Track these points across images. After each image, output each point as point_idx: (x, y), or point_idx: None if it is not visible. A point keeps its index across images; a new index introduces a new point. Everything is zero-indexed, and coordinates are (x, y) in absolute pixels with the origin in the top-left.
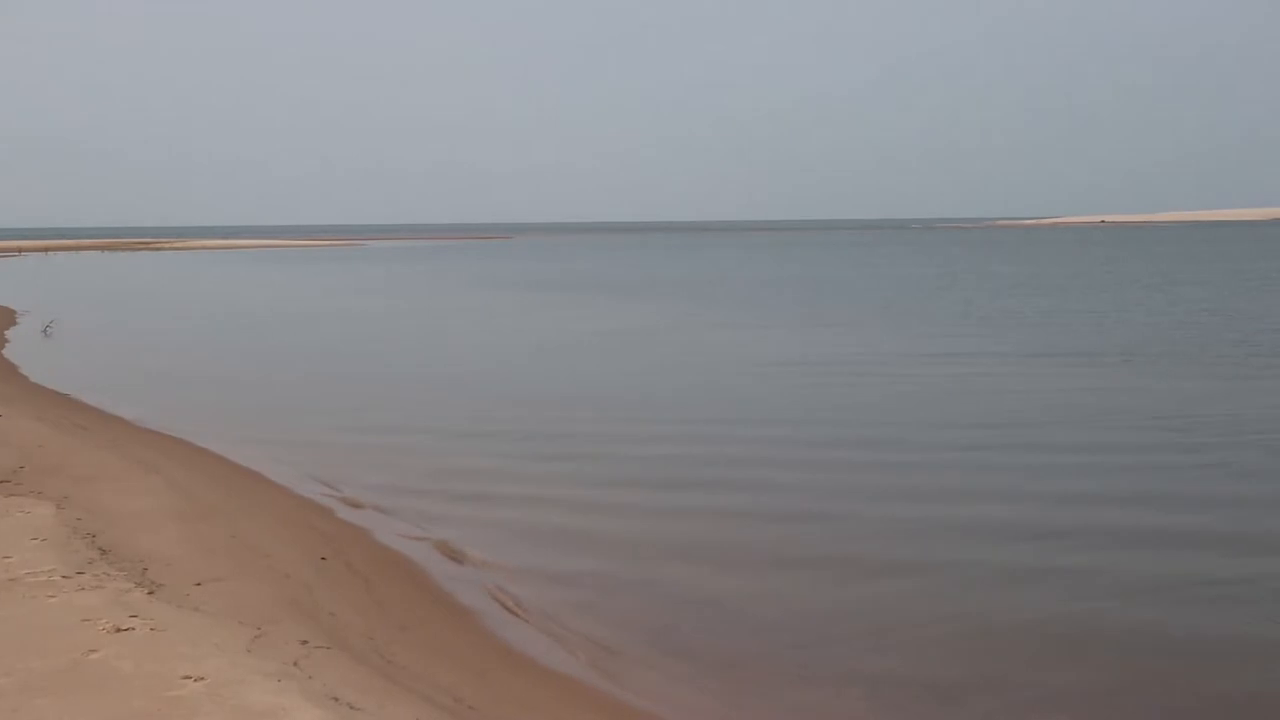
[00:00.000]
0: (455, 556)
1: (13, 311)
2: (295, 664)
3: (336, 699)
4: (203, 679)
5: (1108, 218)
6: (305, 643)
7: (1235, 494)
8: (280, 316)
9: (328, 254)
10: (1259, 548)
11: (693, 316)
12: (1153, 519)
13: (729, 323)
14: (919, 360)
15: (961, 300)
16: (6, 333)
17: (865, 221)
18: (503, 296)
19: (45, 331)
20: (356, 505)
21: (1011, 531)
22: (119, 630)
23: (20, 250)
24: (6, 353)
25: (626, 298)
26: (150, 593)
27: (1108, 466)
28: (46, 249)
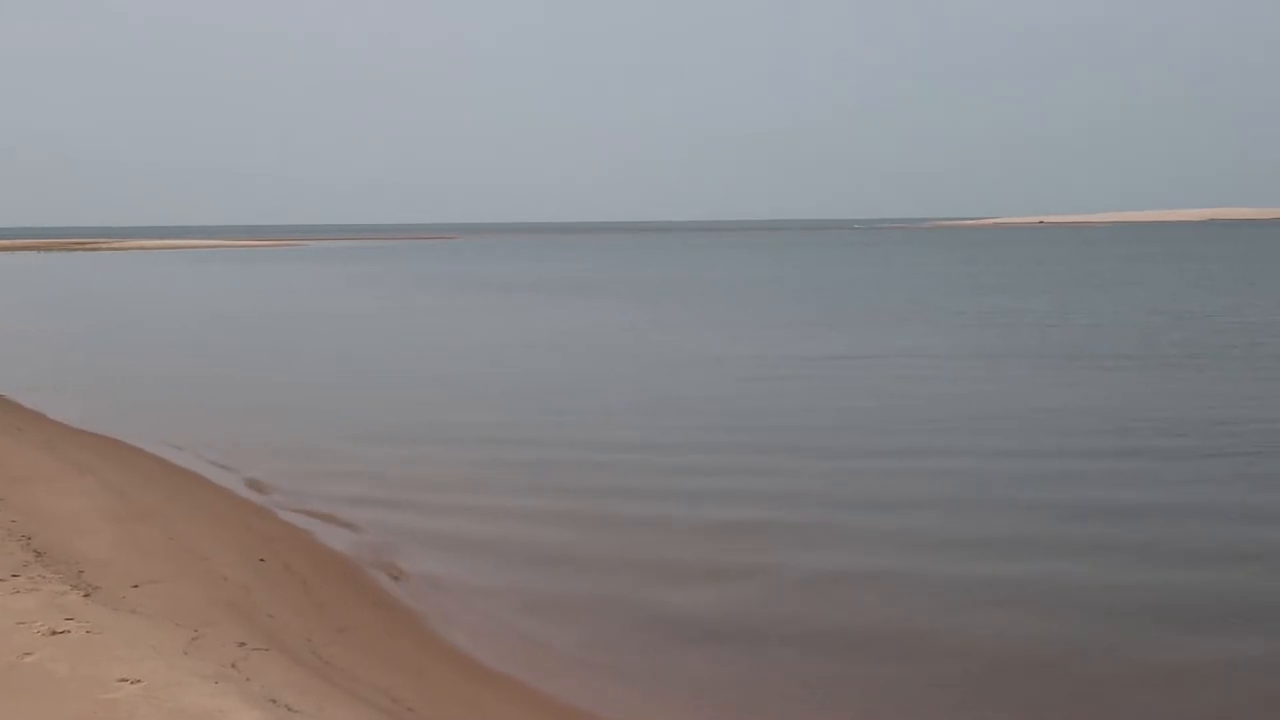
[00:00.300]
0: (395, 558)
1: None
2: (233, 666)
3: (274, 701)
4: (139, 681)
5: (1046, 218)
6: (243, 644)
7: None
8: (198, 317)
9: (267, 254)
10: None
11: (618, 316)
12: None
13: (663, 323)
14: (840, 361)
15: (913, 300)
16: None
17: (808, 222)
18: (415, 295)
19: None
20: (295, 508)
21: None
22: (54, 633)
23: None
24: None
25: (550, 295)
26: (86, 595)
27: (1041, 468)
28: None
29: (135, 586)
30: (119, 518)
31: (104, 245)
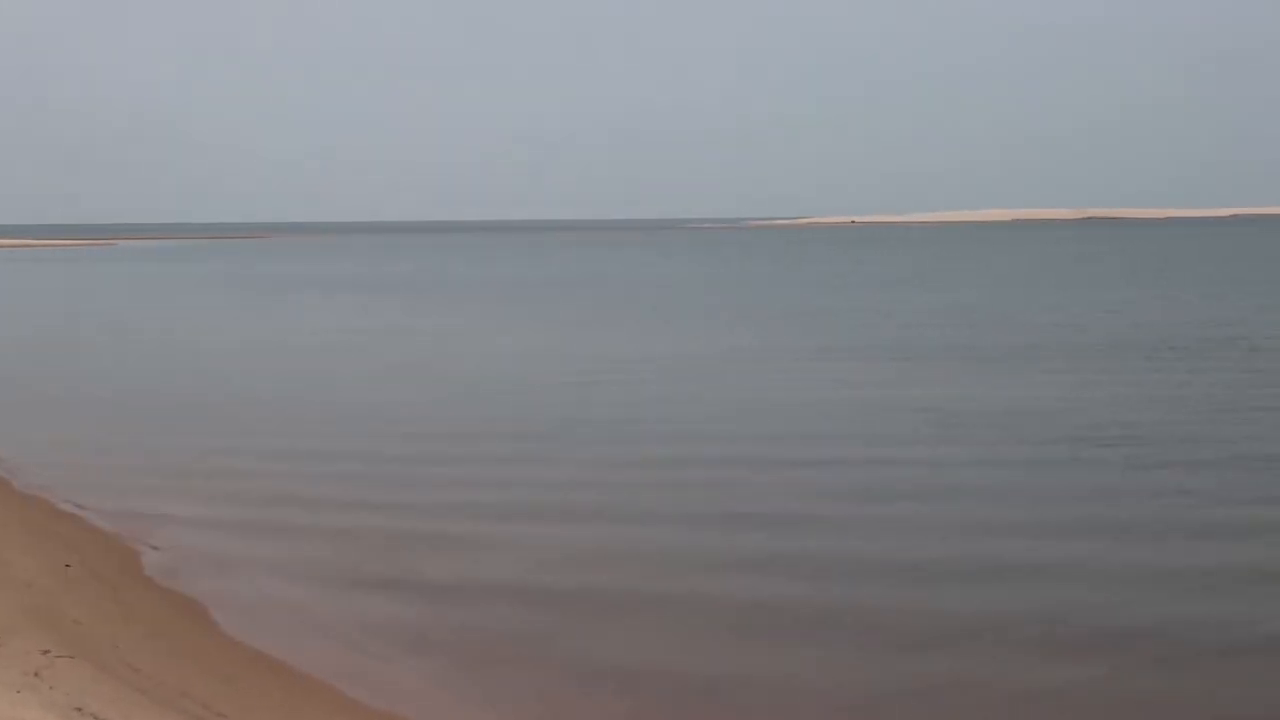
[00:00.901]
0: (202, 565)
1: None
2: (36, 674)
3: (80, 709)
4: None
5: (858, 218)
6: (47, 652)
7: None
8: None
9: (64, 255)
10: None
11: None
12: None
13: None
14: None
15: (738, 299)
16: None
17: (626, 221)
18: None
19: None
20: (104, 512)
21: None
22: None
23: None
24: None
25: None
26: None
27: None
28: None
29: None
30: None
31: None
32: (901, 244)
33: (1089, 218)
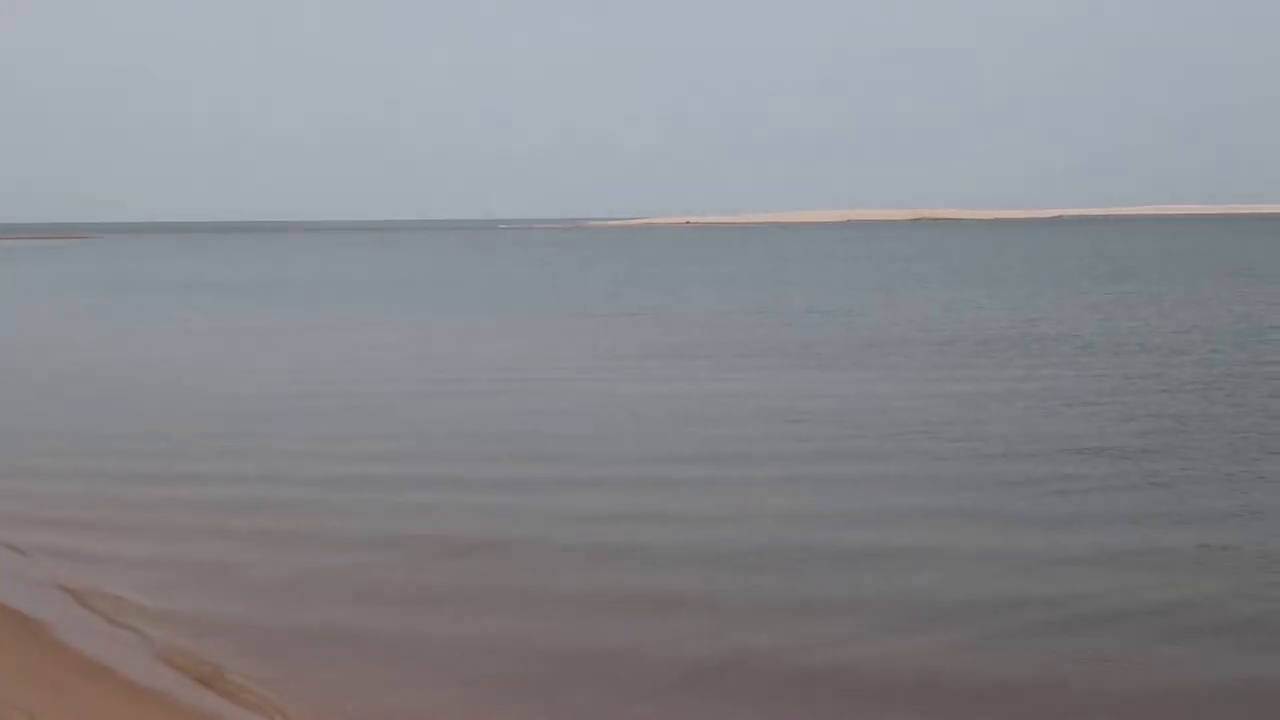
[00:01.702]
0: (27, 570)
1: None
2: None
3: None
4: None
5: (692, 219)
6: None
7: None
8: None
9: None
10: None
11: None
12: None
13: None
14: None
15: (565, 300)
16: None
17: (459, 222)
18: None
19: None
20: None
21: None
22: None
23: None
24: None
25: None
26: None
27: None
28: None
29: None
30: None
31: None
32: (738, 244)
33: (920, 218)
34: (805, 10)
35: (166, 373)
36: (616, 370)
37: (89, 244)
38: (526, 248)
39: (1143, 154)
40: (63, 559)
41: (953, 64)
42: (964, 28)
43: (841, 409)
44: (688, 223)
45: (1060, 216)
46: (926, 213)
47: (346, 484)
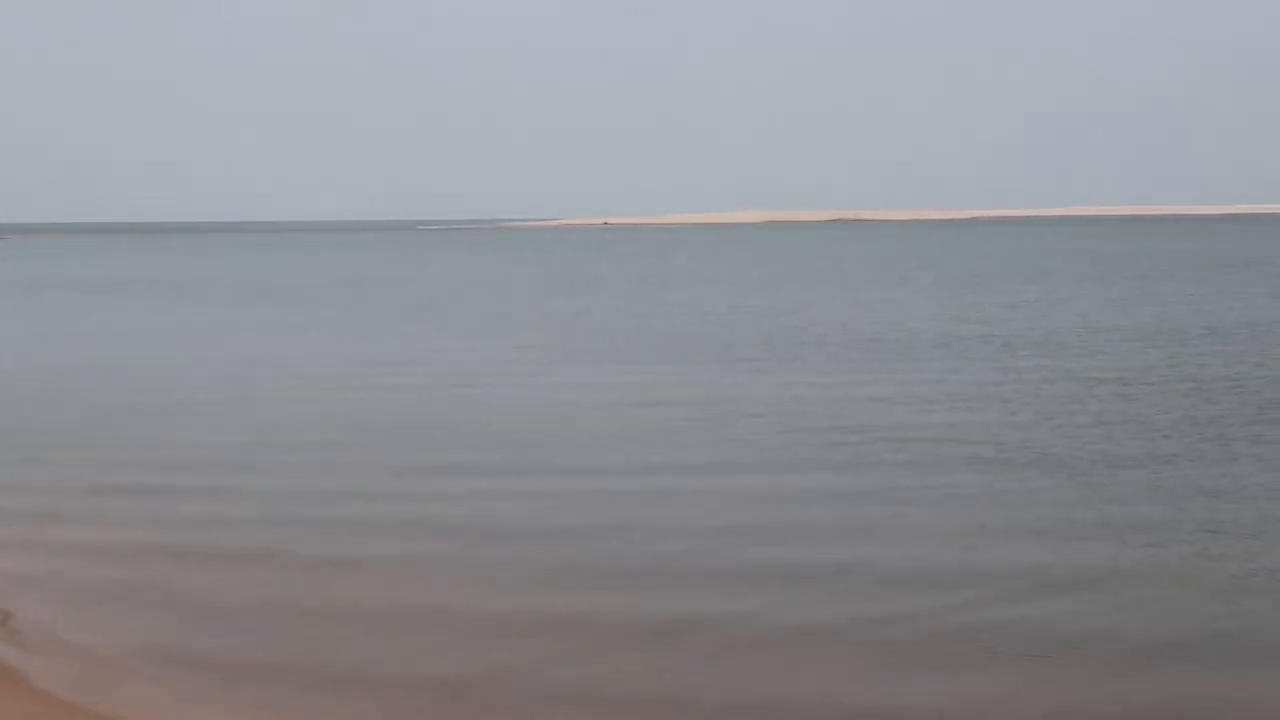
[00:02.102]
0: None
1: None
2: None
3: None
4: None
5: (611, 219)
6: None
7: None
8: None
9: None
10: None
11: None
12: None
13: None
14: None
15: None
16: None
17: (374, 223)
18: None
19: None
20: None
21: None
22: None
23: None
24: None
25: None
26: None
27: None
28: None
29: None
30: None
31: None
32: (656, 245)
33: (838, 219)
34: (723, 8)
35: None
36: (535, 372)
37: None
38: (461, 249)
39: (1056, 154)
40: None
41: (872, 65)
42: (891, 29)
43: (768, 407)
44: (606, 224)
45: (977, 218)
46: (845, 213)
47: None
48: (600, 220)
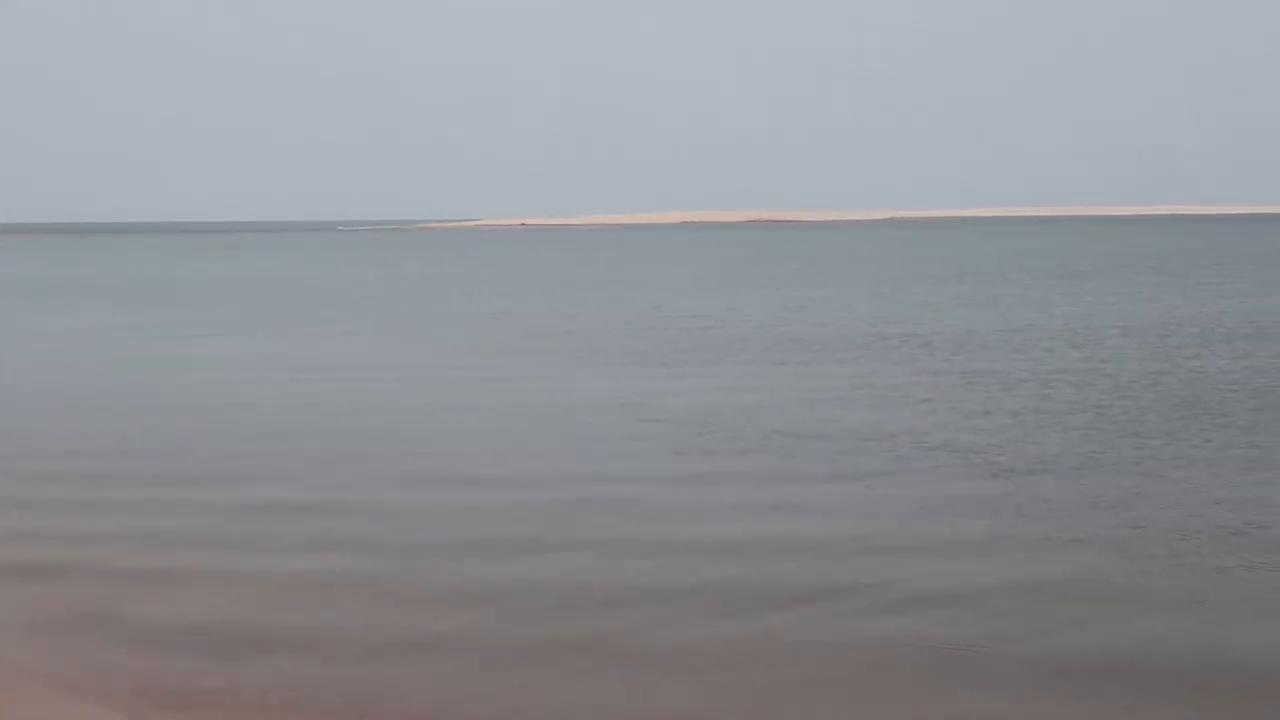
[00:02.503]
0: None
1: None
2: None
3: None
4: None
5: (528, 220)
6: None
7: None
8: None
9: None
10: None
11: None
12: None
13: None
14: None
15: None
16: None
17: (296, 224)
18: None
19: None
20: None
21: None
22: None
23: None
24: None
25: None
26: None
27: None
28: None
29: None
30: None
31: None
32: (573, 246)
33: (756, 220)
34: (637, 8)
35: None
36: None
37: None
38: (378, 250)
39: (976, 155)
40: None
41: (795, 68)
42: (809, 28)
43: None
44: (523, 224)
45: (894, 218)
46: (763, 214)
47: None
48: (518, 221)
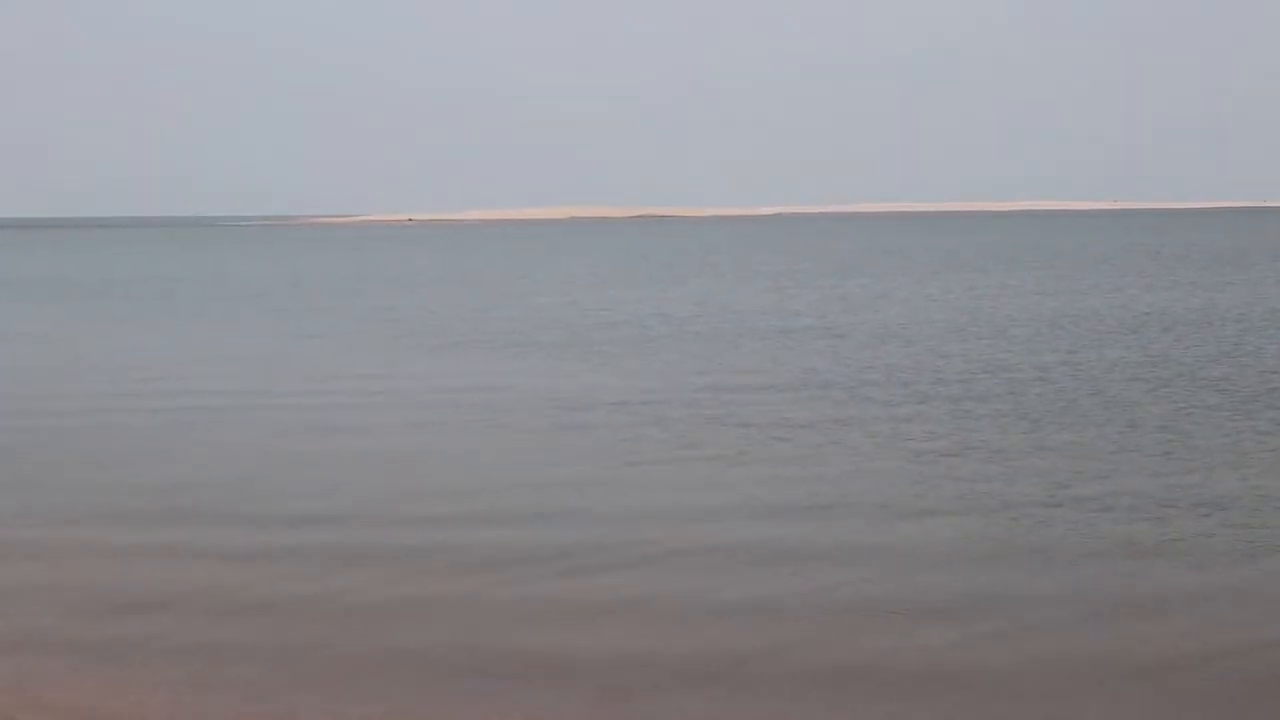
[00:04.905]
0: None
1: None
2: None
3: None
4: None
5: (415, 215)
6: None
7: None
8: None
9: None
10: None
11: None
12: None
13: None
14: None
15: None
16: None
17: (167, 219)
18: None
19: None
20: None
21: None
22: None
23: None
24: None
25: None
26: None
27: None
28: None
29: None
30: None
31: None
32: (460, 242)
33: (641, 215)
34: (545, 5)
35: None
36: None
37: None
38: (262, 245)
39: (859, 152)
40: None
41: (683, 64)
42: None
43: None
44: (410, 220)
45: (780, 214)
46: (648, 210)
47: None
48: (405, 217)
